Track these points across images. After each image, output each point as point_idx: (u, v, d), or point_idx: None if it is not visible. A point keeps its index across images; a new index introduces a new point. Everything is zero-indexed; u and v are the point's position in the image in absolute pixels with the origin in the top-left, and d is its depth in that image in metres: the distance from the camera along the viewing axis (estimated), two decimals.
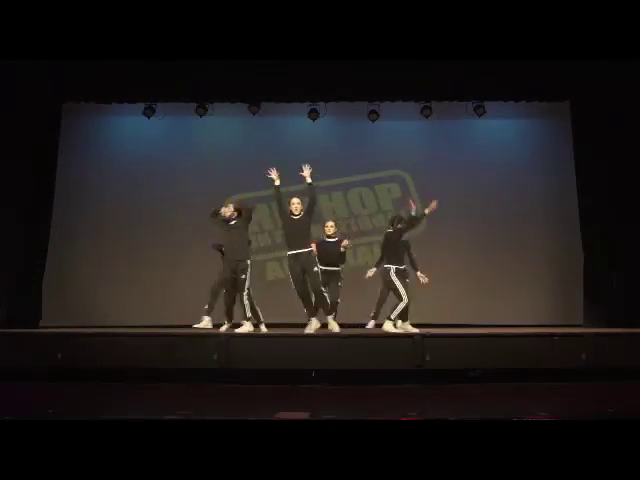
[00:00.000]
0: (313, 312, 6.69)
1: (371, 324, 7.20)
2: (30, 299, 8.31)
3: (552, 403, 5.11)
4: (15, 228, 8.18)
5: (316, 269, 6.61)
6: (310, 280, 6.58)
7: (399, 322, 6.80)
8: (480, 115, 8.91)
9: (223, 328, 6.74)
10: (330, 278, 7.12)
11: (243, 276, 6.71)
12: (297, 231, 6.62)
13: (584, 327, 8.21)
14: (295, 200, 6.75)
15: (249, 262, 6.75)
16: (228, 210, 6.79)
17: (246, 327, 6.61)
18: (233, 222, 6.77)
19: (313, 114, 8.95)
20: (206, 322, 6.81)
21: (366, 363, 6.00)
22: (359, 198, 9.42)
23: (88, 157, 9.29)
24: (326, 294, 6.73)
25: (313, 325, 6.63)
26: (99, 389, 5.69)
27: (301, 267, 6.54)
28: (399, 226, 6.90)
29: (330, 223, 7.40)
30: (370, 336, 6.52)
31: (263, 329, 6.76)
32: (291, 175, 9.35)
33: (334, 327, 6.61)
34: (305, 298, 6.64)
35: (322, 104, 8.86)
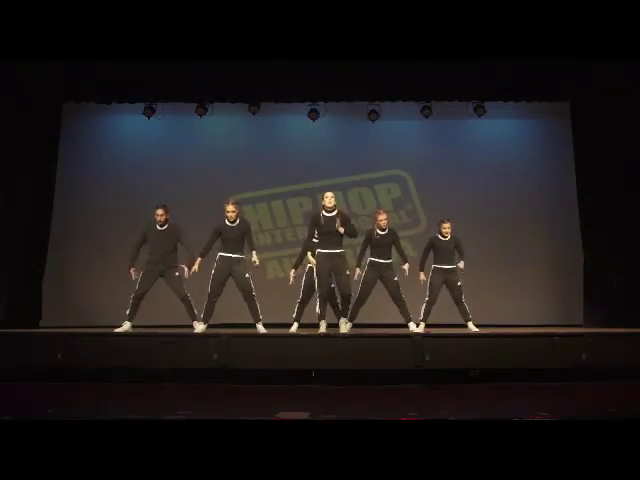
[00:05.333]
0: (345, 313, 6.62)
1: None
2: (30, 299, 8.31)
3: (552, 403, 5.11)
4: (15, 228, 8.17)
5: (348, 272, 6.57)
6: (340, 282, 6.51)
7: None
8: (480, 115, 8.91)
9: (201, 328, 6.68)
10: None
11: (247, 275, 6.69)
12: (330, 230, 6.44)
13: (584, 327, 8.20)
14: (328, 194, 6.54)
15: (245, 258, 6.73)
16: (235, 208, 6.71)
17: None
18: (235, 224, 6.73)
19: (313, 114, 8.95)
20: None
21: (366, 363, 5.99)
22: (359, 198, 9.42)
23: (88, 157, 9.28)
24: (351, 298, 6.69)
25: (322, 327, 6.63)
26: (99, 389, 5.69)
27: (331, 267, 6.46)
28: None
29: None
30: (370, 336, 6.52)
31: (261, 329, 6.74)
32: (291, 175, 9.42)
33: (344, 329, 6.56)
34: (327, 299, 6.61)
35: (322, 104, 8.86)
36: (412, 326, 6.88)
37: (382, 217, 6.97)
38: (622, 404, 4.88)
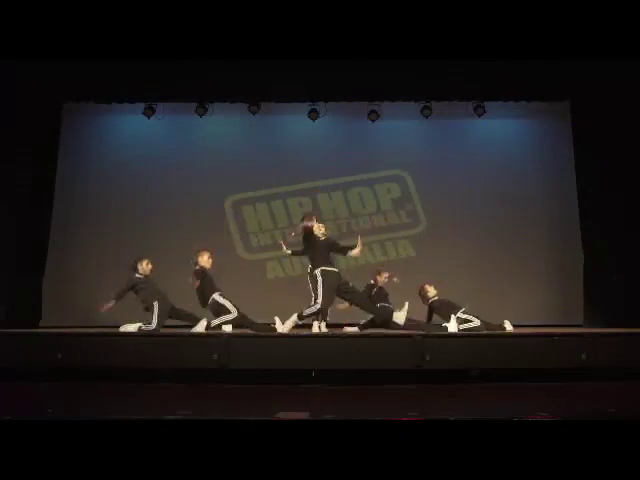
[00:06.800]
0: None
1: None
2: (30, 299, 8.31)
3: (552, 403, 5.11)
4: (15, 228, 8.17)
5: (351, 284, 6.67)
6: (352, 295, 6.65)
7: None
8: (480, 115, 8.91)
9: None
10: None
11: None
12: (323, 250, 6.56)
13: (584, 327, 8.20)
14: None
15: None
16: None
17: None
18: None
19: (313, 114, 8.96)
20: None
21: (366, 363, 5.99)
22: (359, 198, 9.43)
23: (88, 157, 9.30)
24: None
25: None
26: (99, 389, 5.69)
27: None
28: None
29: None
30: (370, 336, 6.52)
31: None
32: (291, 175, 9.42)
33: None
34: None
35: (322, 104, 8.86)
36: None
37: (384, 275, 7.12)
38: (622, 404, 4.88)
